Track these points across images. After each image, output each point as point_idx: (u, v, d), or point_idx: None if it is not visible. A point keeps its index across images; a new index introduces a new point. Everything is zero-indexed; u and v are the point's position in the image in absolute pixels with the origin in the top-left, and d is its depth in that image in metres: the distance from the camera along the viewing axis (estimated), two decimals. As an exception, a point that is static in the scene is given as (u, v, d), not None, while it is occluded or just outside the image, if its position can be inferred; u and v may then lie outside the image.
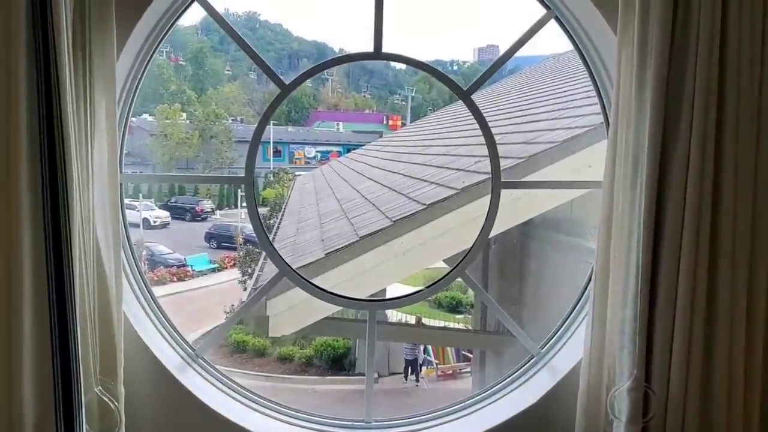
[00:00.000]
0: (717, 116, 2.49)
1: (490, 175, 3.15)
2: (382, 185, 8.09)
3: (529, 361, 3.37)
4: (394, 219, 5.18)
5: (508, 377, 3.37)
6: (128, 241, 3.08)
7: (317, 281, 5.03)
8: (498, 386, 3.36)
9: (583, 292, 3.34)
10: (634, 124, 2.53)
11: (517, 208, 5.14)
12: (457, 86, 3.12)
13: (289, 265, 3.24)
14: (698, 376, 2.57)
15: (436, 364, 21.35)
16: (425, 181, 6.66)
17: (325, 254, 5.09)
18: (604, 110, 3.19)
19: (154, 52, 3.01)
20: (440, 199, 5.15)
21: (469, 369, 21.35)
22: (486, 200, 5.38)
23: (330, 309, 5.17)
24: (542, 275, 5.79)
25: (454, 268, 3.25)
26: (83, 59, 2.39)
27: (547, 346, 3.37)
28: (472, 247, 3.24)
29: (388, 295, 5.72)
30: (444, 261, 6.50)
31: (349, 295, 3.40)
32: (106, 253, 2.51)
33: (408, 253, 5.09)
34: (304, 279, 3.31)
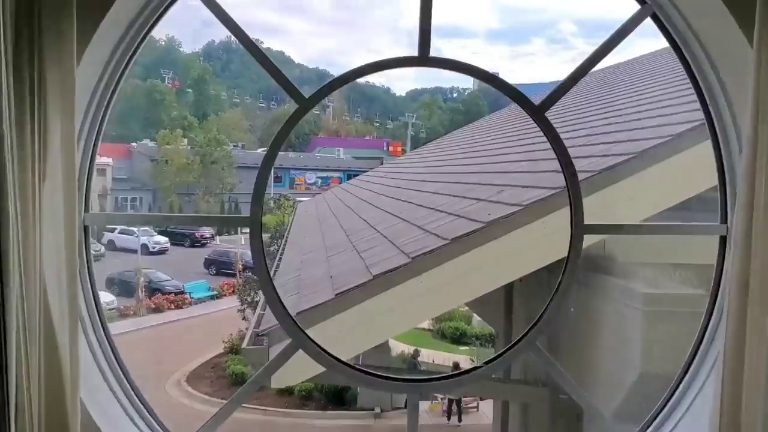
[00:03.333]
0: None
1: (570, 217, 2.57)
2: (392, 215, 7.55)
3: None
4: (412, 255, 4.62)
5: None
6: (95, 301, 2.42)
7: (327, 325, 4.46)
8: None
9: (691, 360, 2.72)
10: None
11: (553, 242, 4.59)
12: (528, 102, 2.57)
13: (307, 335, 2.62)
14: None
15: (441, 398, 20.74)
16: (442, 211, 6.12)
17: (336, 294, 4.52)
18: (708, 117, 2.69)
19: (127, 65, 2.43)
20: (465, 234, 4.60)
21: (474, 404, 20.73)
22: (518, 235, 4.87)
23: (353, 351, 4.61)
24: (578, 319, 5.22)
25: (521, 338, 2.66)
26: (31, 70, 1.82)
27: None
28: (543, 314, 2.64)
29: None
30: (466, 304, 5.96)
31: (384, 374, 2.80)
32: (60, 321, 1.84)
33: (429, 293, 4.53)
34: (328, 354, 2.67)
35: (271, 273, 7.70)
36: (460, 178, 8.32)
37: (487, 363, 2.92)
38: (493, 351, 23.68)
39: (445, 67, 2.40)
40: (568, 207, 2.65)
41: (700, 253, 5.29)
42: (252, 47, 2.41)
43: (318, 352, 2.69)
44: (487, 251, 4.55)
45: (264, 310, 6.20)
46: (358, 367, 2.80)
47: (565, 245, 4.89)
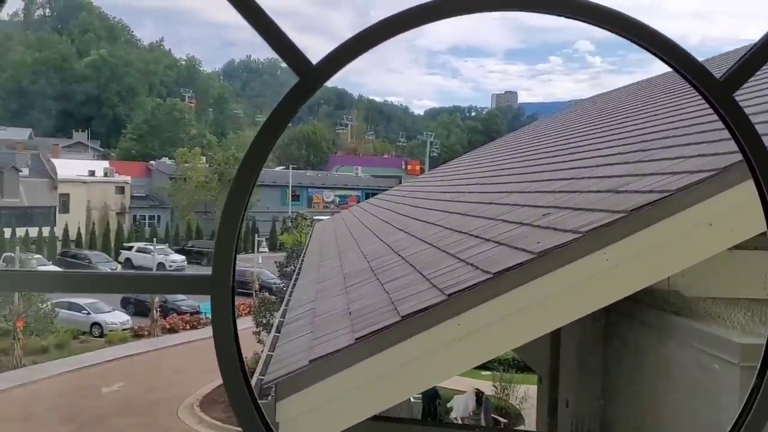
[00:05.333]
0: None
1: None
2: (419, 239, 6.77)
3: None
4: (448, 292, 3.83)
5: None
6: None
7: (345, 376, 3.70)
8: None
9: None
10: None
11: (618, 278, 3.80)
12: (711, 76, 1.69)
13: None
14: None
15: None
16: (477, 237, 5.33)
17: (356, 339, 3.74)
18: None
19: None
20: (511, 266, 3.81)
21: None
22: (575, 269, 4.08)
23: (374, 408, 3.81)
24: (639, 366, 4.42)
25: None
26: None
27: None
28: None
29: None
30: (516, 353, 5.17)
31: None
32: None
33: (468, 337, 3.74)
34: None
35: (283, 305, 6.94)
36: (494, 198, 7.52)
37: None
38: (515, 376, 22.84)
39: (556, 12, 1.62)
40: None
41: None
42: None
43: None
44: (538, 288, 3.75)
45: (279, 332, 5.46)
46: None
47: (632, 280, 4.12)
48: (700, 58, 1.84)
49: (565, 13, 1.64)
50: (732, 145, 4.53)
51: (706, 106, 7.05)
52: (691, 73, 1.63)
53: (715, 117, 6.44)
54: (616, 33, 1.62)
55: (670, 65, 1.64)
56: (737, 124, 1.63)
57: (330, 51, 1.60)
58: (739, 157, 4.06)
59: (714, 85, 1.64)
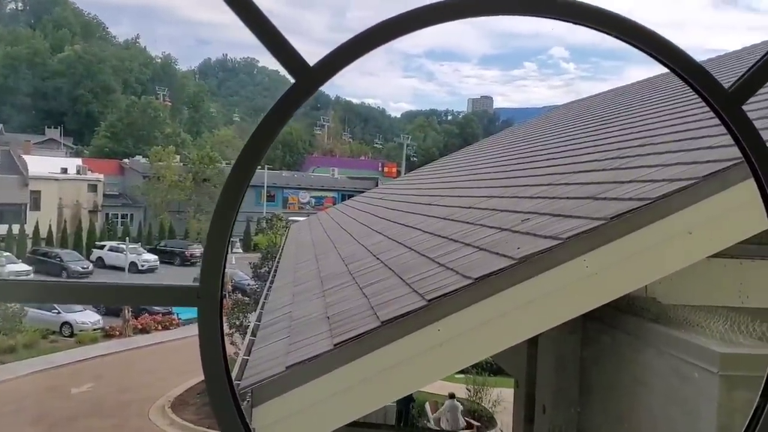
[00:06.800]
0: None
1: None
2: (398, 242, 6.74)
3: None
4: (429, 297, 3.80)
5: None
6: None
7: (323, 382, 3.65)
8: None
9: None
10: None
11: (597, 285, 3.80)
12: (719, 86, 1.63)
13: None
14: None
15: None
16: (457, 241, 5.32)
17: (335, 344, 3.70)
18: None
19: None
20: (492, 272, 3.79)
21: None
22: (559, 274, 4.07)
23: (352, 415, 3.76)
24: (617, 373, 4.43)
25: None
26: None
27: None
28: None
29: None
30: (492, 358, 5.16)
31: None
32: None
33: (449, 343, 3.71)
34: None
35: (259, 308, 6.86)
36: (473, 203, 7.52)
37: None
38: (488, 379, 22.88)
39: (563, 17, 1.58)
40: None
41: (765, 293, 4.53)
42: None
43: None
44: (519, 294, 3.74)
45: (254, 336, 5.40)
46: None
47: (611, 287, 4.13)
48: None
49: (574, 19, 1.61)
50: (710, 154, 4.57)
51: (682, 114, 7.12)
52: (699, 82, 1.61)
53: (693, 126, 6.49)
54: (624, 40, 1.60)
55: (677, 74, 1.62)
56: (745, 136, 1.61)
57: (327, 53, 1.55)
58: (717, 166, 4.10)
59: (722, 95, 1.61)
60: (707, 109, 6.22)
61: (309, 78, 1.55)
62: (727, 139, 4.47)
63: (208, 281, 1.51)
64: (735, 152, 4.01)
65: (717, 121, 5.64)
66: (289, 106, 1.56)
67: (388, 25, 1.54)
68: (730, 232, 4.02)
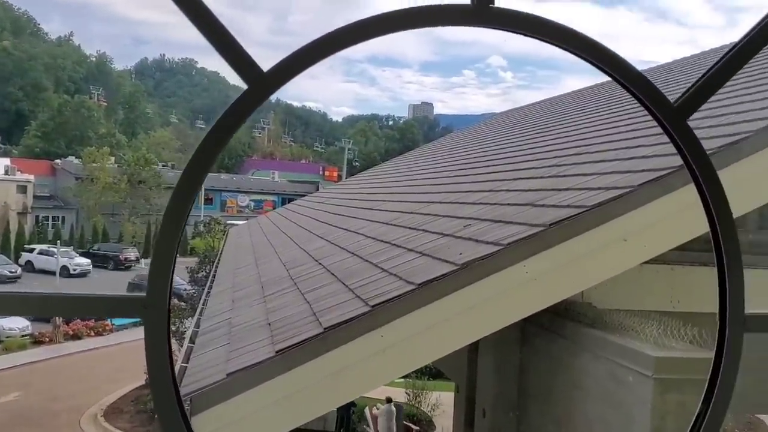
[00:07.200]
0: None
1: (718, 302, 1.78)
2: (340, 248, 6.72)
3: None
4: (372, 303, 3.80)
5: None
6: None
7: (265, 389, 3.60)
8: None
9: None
10: None
11: (536, 290, 3.87)
12: (665, 100, 1.64)
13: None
14: None
15: None
16: (400, 247, 5.34)
17: (277, 351, 3.66)
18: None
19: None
20: (435, 278, 3.82)
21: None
22: (500, 280, 4.12)
23: (294, 422, 3.72)
24: (555, 377, 4.51)
25: None
26: None
27: None
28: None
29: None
30: (433, 363, 5.20)
31: None
32: None
33: (392, 349, 3.72)
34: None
35: (197, 314, 6.74)
36: (415, 208, 7.56)
37: None
38: (427, 383, 23.03)
39: (512, 28, 1.59)
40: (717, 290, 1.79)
41: (694, 298, 4.68)
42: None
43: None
44: (461, 299, 3.78)
45: (193, 343, 5.29)
46: None
47: (549, 292, 4.21)
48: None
49: (515, 29, 1.64)
50: (644, 163, 4.72)
51: (617, 124, 7.33)
52: (645, 95, 1.65)
53: (627, 135, 6.67)
54: (568, 50, 1.63)
55: (623, 86, 1.66)
56: (690, 150, 1.66)
57: (282, 59, 1.52)
58: (651, 175, 4.24)
59: (668, 109, 1.66)
60: (641, 119, 6.44)
61: (263, 84, 1.53)
62: (661, 149, 4.63)
63: (156, 291, 1.47)
64: (668, 162, 4.16)
65: (650, 131, 5.84)
66: (243, 113, 1.54)
67: (344, 32, 1.53)
68: (663, 239, 4.16)
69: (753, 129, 4.21)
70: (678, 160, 3.93)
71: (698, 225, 3.87)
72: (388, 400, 20.52)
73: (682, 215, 4.01)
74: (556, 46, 1.62)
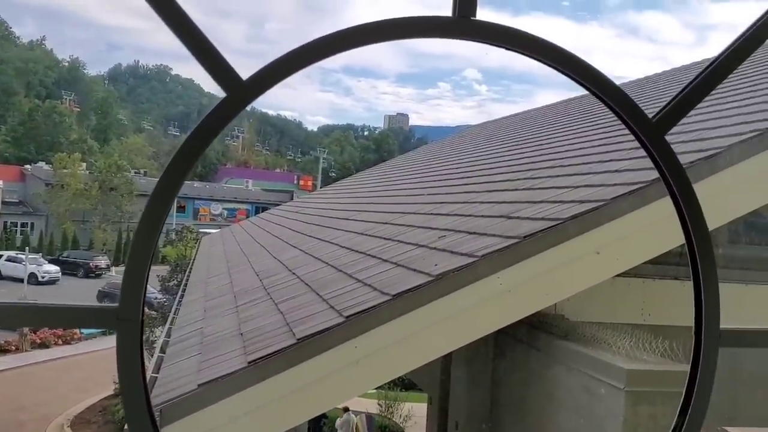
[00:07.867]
0: None
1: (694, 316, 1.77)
2: (315, 258, 6.69)
3: None
4: (346, 314, 3.79)
5: None
6: None
7: (237, 400, 3.56)
8: None
9: None
10: None
11: (510, 302, 3.89)
12: (643, 115, 1.65)
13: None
14: None
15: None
16: (375, 257, 5.33)
17: (249, 362, 3.62)
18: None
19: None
20: (410, 288, 3.82)
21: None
22: (475, 291, 4.14)
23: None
24: (528, 389, 4.53)
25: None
26: None
27: None
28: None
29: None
30: (407, 374, 5.17)
31: None
32: None
33: (366, 360, 3.71)
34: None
35: (168, 323, 6.65)
36: (389, 219, 7.56)
37: None
38: (399, 394, 23.00)
39: (494, 41, 1.60)
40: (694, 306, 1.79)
41: (665, 311, 4.74)
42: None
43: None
44: (436, 310, 3.78)
45: (164, 353, 5.21)
46: None
47: (523, 304, 4.23)
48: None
49: (495, 42, 1.65)
50: (616, 177, 4.77)
51: (591, 138, 7.41)
52: (623, 110, 1.66)
53: (599, 149, 6.76)
54: (547, 63, 1.64)
55: (602, 100, 1.67)
56: (667, 165, 1.67)
57: (261, 67, 1.51)
58: (623, 189, 4.29)
59: (646, 124, 1.67)
60: (613, 133, 6.51)
61: (241, 93, 1.51)
62: (633, 164, 4.69)
63: (129, 302, 1.44)
64: (641, 176, 4.22)
65: (622, 145, 5.91)
66: (220, 121, 1.52)
67: (324, 42, 1.53)
68: (635, 252, 4.21)
69: (725, 144, 4.28)
70: (650, 174, 4.00)
71: (670, 239, 3.93)
72: (345, 410, 20.40)
73: (654, 229, 4.07)
74: (536, 59, 1.63)
